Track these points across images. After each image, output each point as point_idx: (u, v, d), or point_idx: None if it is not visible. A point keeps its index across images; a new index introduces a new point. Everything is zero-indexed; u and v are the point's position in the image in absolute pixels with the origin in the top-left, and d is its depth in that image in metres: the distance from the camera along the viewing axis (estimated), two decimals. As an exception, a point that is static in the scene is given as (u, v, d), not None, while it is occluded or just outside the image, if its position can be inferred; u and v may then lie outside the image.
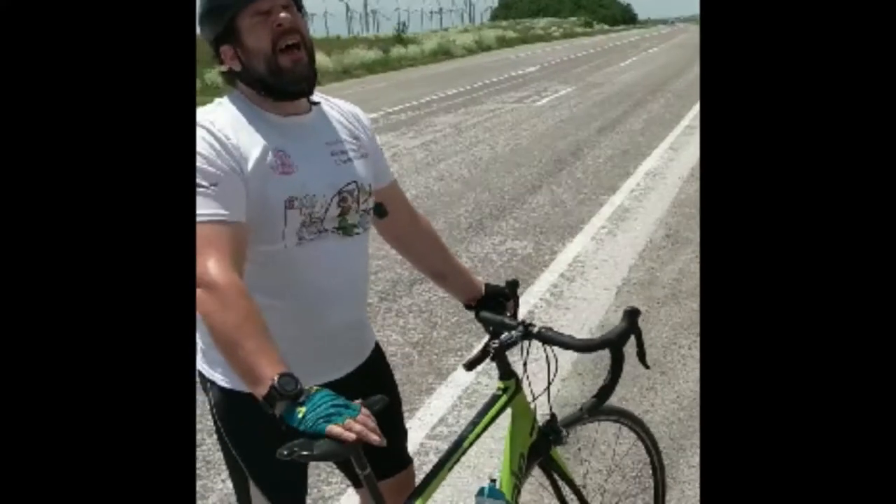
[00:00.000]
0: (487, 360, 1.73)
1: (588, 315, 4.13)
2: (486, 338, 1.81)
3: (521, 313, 4.06)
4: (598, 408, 1.71)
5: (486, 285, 1.86)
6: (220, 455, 2.91)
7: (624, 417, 2.06)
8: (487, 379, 3.36)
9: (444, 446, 3.00)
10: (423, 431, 3.02)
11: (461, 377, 3.46)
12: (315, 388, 1.26)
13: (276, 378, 1.23)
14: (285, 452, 1.21)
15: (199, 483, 2.79)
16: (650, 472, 2.24)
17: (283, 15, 1.43)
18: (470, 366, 1.76)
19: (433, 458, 2.86)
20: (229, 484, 2.77)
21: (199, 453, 2.98)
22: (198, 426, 3.16)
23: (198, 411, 3.25)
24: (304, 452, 1.20)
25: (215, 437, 3.02)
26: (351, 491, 2.56)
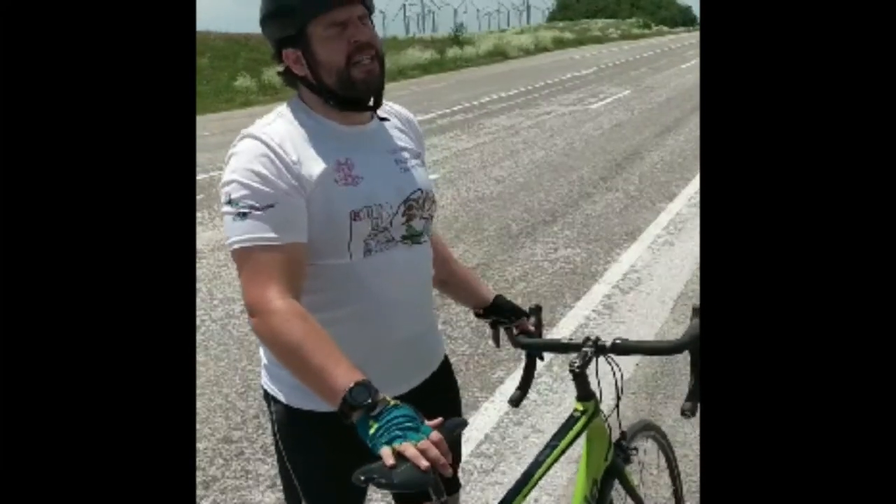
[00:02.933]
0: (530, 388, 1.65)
1: (643, 329, 3.97)
2: (522, 369, 1.73)
3: (573, 326, 3.99)
4: (697, 410, 1.58)
5: (497, 296, 1.77)
6: (262, 467, 2.89)
7: (658, 434, 1.99)
8: (535, 395, 3.24)
9: (489, 465, 2.92)
10: (467, 449, 2.91)
11: (509, 391, 3.35)
12: (393, 401, 1.19)
13: (349, 388, 1.19)
14: (362, 478, 1.12)
15: (237, 494, 2.75)
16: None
17: (360, 30, 1.39)
18: (517, 402, 1.68)
19: (477, 478, 2.76)
20: (268, 496, 2.75)
21: (239, 464, 2.95)
22: (238, 434, 3.13)
23: (238, 418, 3.28)
24: (383, 480, 1.11)
25: (256, 446, 3.05)
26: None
